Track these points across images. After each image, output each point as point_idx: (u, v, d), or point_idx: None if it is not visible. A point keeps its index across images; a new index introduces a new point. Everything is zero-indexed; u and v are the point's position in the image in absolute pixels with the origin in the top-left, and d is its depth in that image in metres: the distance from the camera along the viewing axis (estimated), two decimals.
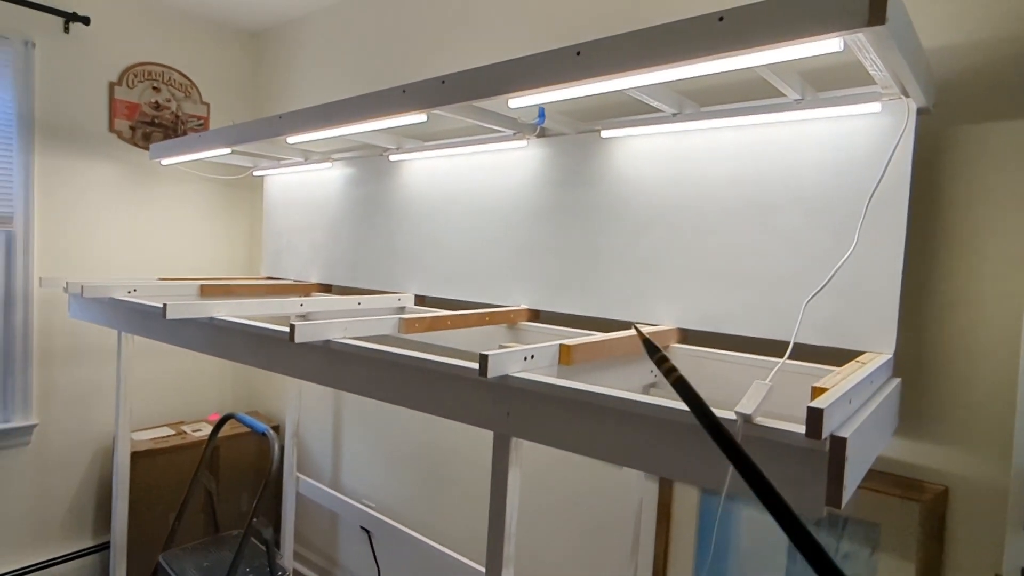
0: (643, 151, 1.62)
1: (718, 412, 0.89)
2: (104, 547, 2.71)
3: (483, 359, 1.07)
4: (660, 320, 1.59)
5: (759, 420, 0.85)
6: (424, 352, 1.28)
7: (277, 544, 2.80)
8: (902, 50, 0.95)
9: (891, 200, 1.25)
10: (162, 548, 2.02)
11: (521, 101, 1.32)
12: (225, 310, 1.72)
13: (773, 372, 0.94)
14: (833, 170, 1.33)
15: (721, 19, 0.95)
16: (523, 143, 1.83)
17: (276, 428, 2.91)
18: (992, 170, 1.26)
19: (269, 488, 1.82)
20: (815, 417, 0.78)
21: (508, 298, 1.92)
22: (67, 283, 2.13)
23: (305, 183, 2.67)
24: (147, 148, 2.78)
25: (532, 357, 1.15)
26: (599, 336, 1.31)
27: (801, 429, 0.81)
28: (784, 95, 1.37)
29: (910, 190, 1.23)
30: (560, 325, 1.82)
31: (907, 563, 1.36)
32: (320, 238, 2.60)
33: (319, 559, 2.85)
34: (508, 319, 1.80)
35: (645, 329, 1.50)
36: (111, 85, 2.67)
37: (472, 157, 2.01)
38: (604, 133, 1.64)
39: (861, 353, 1.30)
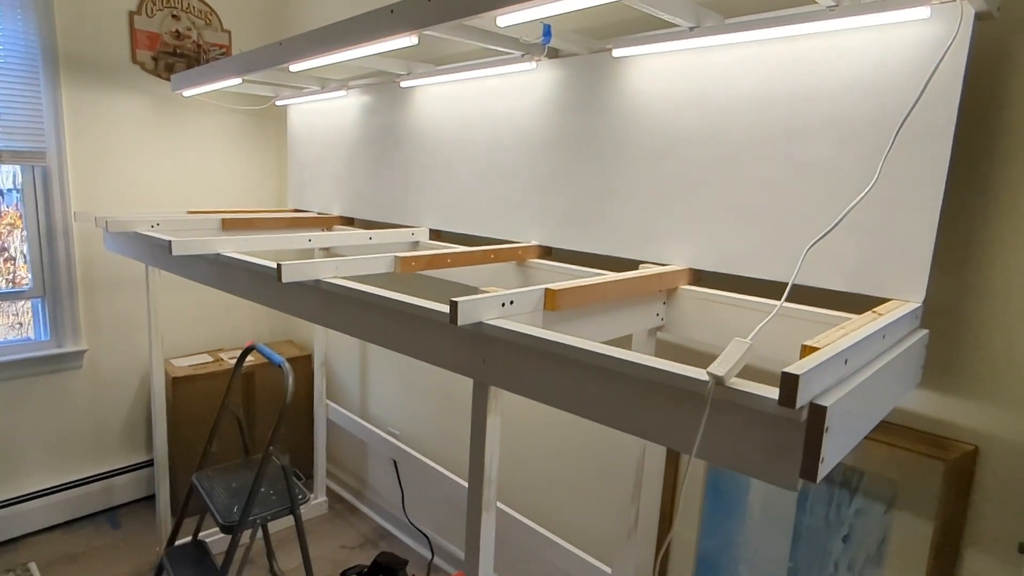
0: (658, 72, 1.46)
1: (692, 371, 0.81)
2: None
3: (453, 305, 1.01)
4: (672, 260, 1.48)
5: (733, 383, 0.76)
6: (428, 291, 1.23)
7: (307, 472, 2.95)
8: None
9: (933, 124, 1.07)
10: (196, 468, 2.14)
11: (511, 18, 1.18)
12: (231, 246, 1.72)
13: (759, 327, 0.83)
14: (871, 90, 1.15)
15: None
16: (532, 65, 1.69)
17: (308, 357, 3.00)
18: None
19: (285, 417, 1.87)
20: (789, 384, 0.69)
21: (522, 234, 1.84)
22: (95, 218, 2.18)
23: (324, 112, 2.60)
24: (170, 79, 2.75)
25: (512, 303, 1.08)
26: (592, 279, 1.22)
27: (775, 394, 0.72)
28: (816, 1, 1.17)
29: (958, 112, 1.05)
30: (572, 263, 1.73)
31: (925, 523, 1.27)
32: (340, 170, 2.55)
33: (351, 480, 2.99)
34: (516, 256, 1.72)
35: (654, 269, 1.40)
36: (130, 15, 2.63)
37: (482, 82, 1.88)
38: (616, 52, 1.48)
39: (887, 301, 1.16)
